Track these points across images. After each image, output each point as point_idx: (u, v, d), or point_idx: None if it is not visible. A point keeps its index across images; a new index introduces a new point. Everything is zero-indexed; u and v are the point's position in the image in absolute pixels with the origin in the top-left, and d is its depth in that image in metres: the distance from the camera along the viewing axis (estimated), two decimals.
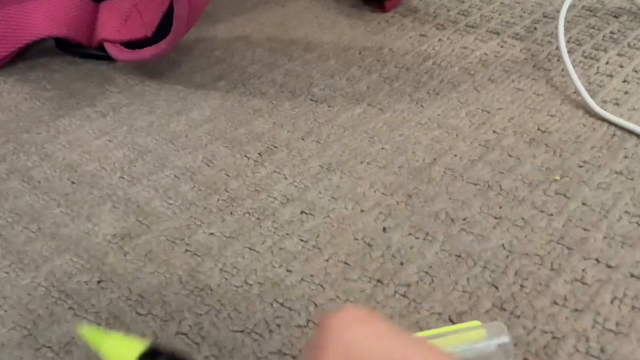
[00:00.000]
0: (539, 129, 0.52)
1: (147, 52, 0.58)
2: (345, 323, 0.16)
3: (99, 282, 0.40)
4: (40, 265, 0.41)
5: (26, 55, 0.65)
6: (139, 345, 0.20)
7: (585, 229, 0.42)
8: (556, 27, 0.67)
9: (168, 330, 0.36)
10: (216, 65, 0.64)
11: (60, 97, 0.59)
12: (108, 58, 0.63)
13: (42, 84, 0.61)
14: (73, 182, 0.48)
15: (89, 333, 0.22)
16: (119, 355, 0.20)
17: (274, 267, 0.41)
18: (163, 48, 0.57)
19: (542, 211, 0.44)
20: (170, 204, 0.46)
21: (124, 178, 0.48)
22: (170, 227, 0.44)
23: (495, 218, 0.44)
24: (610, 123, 0.52)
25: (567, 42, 0.65)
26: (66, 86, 0.61)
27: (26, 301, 0.38)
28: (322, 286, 0.39)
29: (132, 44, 0.62)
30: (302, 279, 0.40)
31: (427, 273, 0.40)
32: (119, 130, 0.54)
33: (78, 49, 0.65)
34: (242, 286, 0.39)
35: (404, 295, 0.38)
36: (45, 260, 0.41)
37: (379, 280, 0.39)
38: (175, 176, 0.49)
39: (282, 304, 0.38)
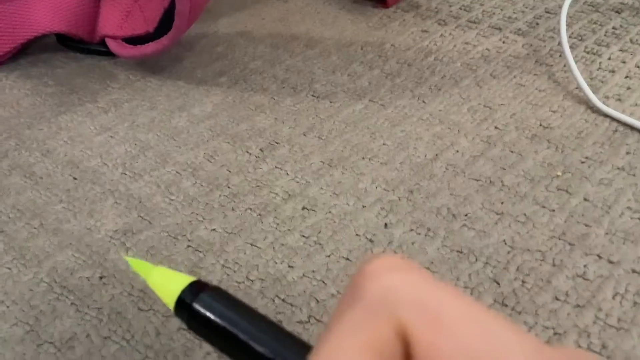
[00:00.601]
0: (540, 125, 0.52)
1: (148, 48, 0.58)
2: (383, 270, 0.16)
3: (100, 277, 0.40)
4: (43, 261, 0.41)
5: (28, 51, 0.65)
6: (185, 278, 0.20)
7: (587, 225, 0.42)
8: (558, 23, 0.67)
9: (170, 327, 0.36)
10: (218, 61, 0.64)
11: (62, 93, 0.59)
12: (109, 54, 0.63)
13: (43, 80, 0.61)
14: (75, 178, 0.48)
15: (136, 264, 0.22)
16: (165, 287, 0.20)
17: (276, 263, 0.41)
18: (164, 44, 0.57)
19: (543, 207, 0.44)
20: (172, 200, 0.46)
21: (125, 174, 0.48)
22: (172, 223, 0.44)
23: (497, 214, 0.44)
24: (613, 119, 0.52)
25: (569, 37, 0.65)
26: (68, 82, 0.61)
27: (28, 297, 0.39)
28: (323, 282, 0.39)
29: (133, 40, 0.62)
30: (303, 275, 0.40)
31: (428, 269, 0.40)
32: (120, 126, 0.54)
33: (79, 44, 0.65)
34: (243, 282, 0.39)
35: None
36: (47, 256, 0.41)
37: None
38: (177, 172, 0.49)
39: (283, 300, 0.38)
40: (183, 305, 0.20)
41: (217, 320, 0.19)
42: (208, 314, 0.19)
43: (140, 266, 0.22)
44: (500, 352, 0.14)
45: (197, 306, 0.19)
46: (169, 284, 0.20)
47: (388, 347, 0.15)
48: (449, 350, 0.14)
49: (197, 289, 0.20)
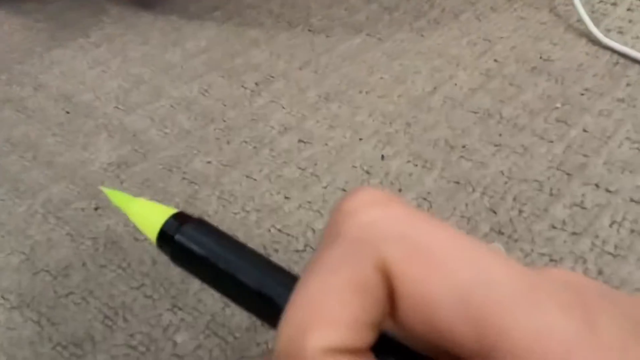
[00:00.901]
0: (540, 58, 0.51)
1: None
2: (361, 206, 0.15)
3: (95, 209, 0.40)
4: (37, 192, 0.41)
5: None
6: (167, 210, 0.19)
7: (585, 155, 0.42)
8: None
9: (164, 256, 0.36)
10: None
11: (53, 28, 0.58)
12: None
13: (35, 16, 0.60)
14: (68, 112, 0.47)
15: (114, 195, 0.21)
16: (146, 219, 0.19)
17: (272, 194, 0.40)
18: None
19: (542, 138, 0.43)
20: (167, 133, 0.45)
21: (119, 108, 0.48)
22: (166, 156, 0.43)
23: (495, 145, 0.43)
24: (614, 51, 0.51)
25: None
26: (59, 17, 0.59)
27: (23, 227, 0.38)
28: (320, 212, 0.39)
29: None
30: (300, 206, 0.39)
31: (425, 199, 0.40)
32: (113, 60, 0.53)
33: None
34: (239, 213, 0.39)
35: None
36: (41, 188, 0.41)
37: None
38: (171, 106, 0.48)
39: (280, 230, 0.38)
40: (166, 238, 0.19)
41: (201, 252, 0.18)
42: (192, 246, 0.18)
43: (119, 198, 0.21)
44: (487, 282, 0.13)
45: (180, 238, 0.19)
46: (150, 216, 0.19)
47: (370, 284, 0.14)
48: (434, 283, 0.14)
49: (179, 221, 0.19)
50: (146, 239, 0.37)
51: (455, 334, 0.13)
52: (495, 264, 0.14)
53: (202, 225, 0.19)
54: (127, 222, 0.38)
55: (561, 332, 0.13)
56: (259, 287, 0.17)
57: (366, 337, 0.14)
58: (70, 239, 0.38)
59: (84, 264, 0.36)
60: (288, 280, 0.17)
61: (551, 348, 0.13)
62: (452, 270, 0.14)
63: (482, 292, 0.13)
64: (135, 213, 0.20)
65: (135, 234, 0.38)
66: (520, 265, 0.14)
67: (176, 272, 0.35)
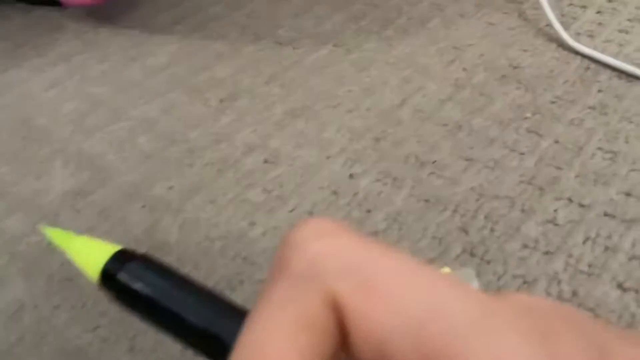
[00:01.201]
0: (510, 65, 0.50)
1: None
2: (308, 238, 0.15)
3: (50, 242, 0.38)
4: None
5: None
6: (108, 248, 0.19)
7: (557, 168, 0.41)
8: None
9: None
10: (174, 7, 0.60)
11: (7, 48, 0.56)
12: (58, 4, 0.59)
13: None
14: (22, 138, 0.45)
15: (54, 234, 0.20)
16: (87, 258, 0.19)
17: (237, 220, 0.39)
18: None
19: (513, 150, 0.42)
20: (126, 158, 0.43)
21: (76, 132, 0.46)
22: (126, 182, 0.42)
23: (466, 160, 0.42)
24: (584, 56, 0.50)
25: None
26: (14, 36, 0.57)
27: None
28: None
29: None
30: (265, 232, 0.38)
31: (395, 220, 0.38)
32: (70, 80, 0.51)
33: None
34: (203, 242, 0.38)
35: None
36: None
37: None
38: (130, 127, 0.46)
39: (245, 259, 0.36)
40: (108, 277, 0.18)
41: (145, 291, 0.17)
42: (136, 284, 0.17)
43: (58, 236, 0.20)
44: (440, 311, 0.13)
45: (123, 277, 0.17)
46: (92, 255, 0.18)
47: (319, 320, 0.13)
48: (384, 316, 0.13)
49: (123, 258, 0.18)
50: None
51: None
52: (449, 293, 0.13)
53: (147, 261, 0.18)
54: None
55: (518, 358, 0.12)
56: (206, 326, 0.16)
57: None
58: (23, 277, 0.36)
59: (36, 306, 0.34)
60: (238, 318, 0.16)
61: None
62: (402, 302, 0.13)
63: (434, 322, 0.13)
64: (75, 253, 0.19)
65: None
66: (476, 292, 0.14)
67: None
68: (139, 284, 0.17)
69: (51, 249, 0.37)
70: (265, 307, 0.14)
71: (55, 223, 0.39)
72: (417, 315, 0.13)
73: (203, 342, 0.17)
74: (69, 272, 0.36)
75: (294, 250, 0.14)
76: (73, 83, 0.51)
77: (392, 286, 0.14)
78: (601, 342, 0.13)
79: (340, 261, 0.14)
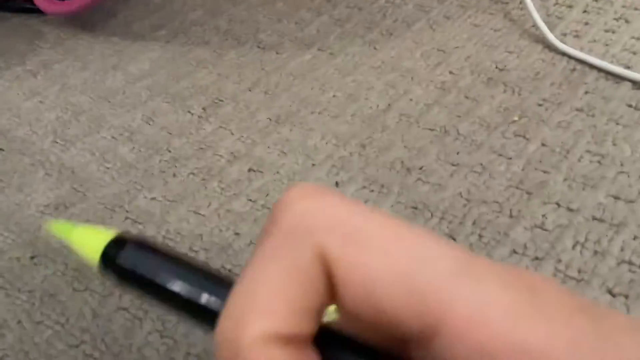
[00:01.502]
0: (496, 67, 0.50)
1: (76, 3, 0.54)
2: (298, 197, 0.15)
3: (32, 257, 0.37)
4: None
5: None
6: (107, 234, 0.19)
7: (545, 172, 0.40)
8: None
9: (108, 306, 0.34)
10: (155, 13, 0.60)
11: None
12: (37, 11, 0.58)
13: None
14: (2, 149, 0.45)
15: (57, 226, 0.21)
16: (86, 245, 0.19)
17: (221, 230, 0.38)
18: None
19: (500, 155, 0.42)
20: (108, 168, 0.43)
21: (57, 142, 0.45)
22: (108, 194, 0.41)
23: (453, 165, 0.41)
24: (570, 57, 0.50)
25: None
26: None
27: None
28: None
29: None
30: (250, 242, 0.37)
31: None
32: (50, 89, 0.50)
33: (4, 2, 0.60)
34: (187, 253, 0.37)
35: None
36: None
37: None
38: (112, 137, 0.45)
39: (230, 271, 0.36)
40: (108, 261, 0.18)
41: (144, 270, 0.18)
42: (135, 265, 0.18)
43: (60, 228, 0.20)
44: (426, 260, 0.14)
45: (122, 260, 0.18)
46: (91, 242, 0.19)
47: (308, 270, 0.14)
48: (372, 266, 0.14)
49: (122, 242, 0.18)
50: (86, 289, 0.35)
51: (398, 315, 0.14)
52: (433, 243, 0.14)
53: (144, 244, 0.19)
54: (65, 271, 0.36)
55: (503, 301, 0.13)
56: (198, 295, 0.17)
57: (306, 325, 0.14)
58: (4, 293, 0.35)
59: (19, 322, 0.33)
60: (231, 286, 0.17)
61: (493, 317, 0.13)
62: (389, 251, 0.14)
63: (421, 270, 0.14)
64: (75, 242, 0.20)
65: (74, 283, 0.35)
66: (461, 249, 0.14)
67: (118, 326, 0.33)
68: (138, 265, 0.18)
69: (32, 263, 0.36)
70: (257, 261, 0.15)
71: (36, 238, 0.38)
72: (404, 265, 0.14)
73: (202, 313, 0.17)
74: (51, 288, 0.35)
75: (284, 210, 0.15)
76: (54, 92, 0.50)
77: (379, 238, 0.14)
78: (586, 304, 0.14)
79: (328, 217, 0.15)
